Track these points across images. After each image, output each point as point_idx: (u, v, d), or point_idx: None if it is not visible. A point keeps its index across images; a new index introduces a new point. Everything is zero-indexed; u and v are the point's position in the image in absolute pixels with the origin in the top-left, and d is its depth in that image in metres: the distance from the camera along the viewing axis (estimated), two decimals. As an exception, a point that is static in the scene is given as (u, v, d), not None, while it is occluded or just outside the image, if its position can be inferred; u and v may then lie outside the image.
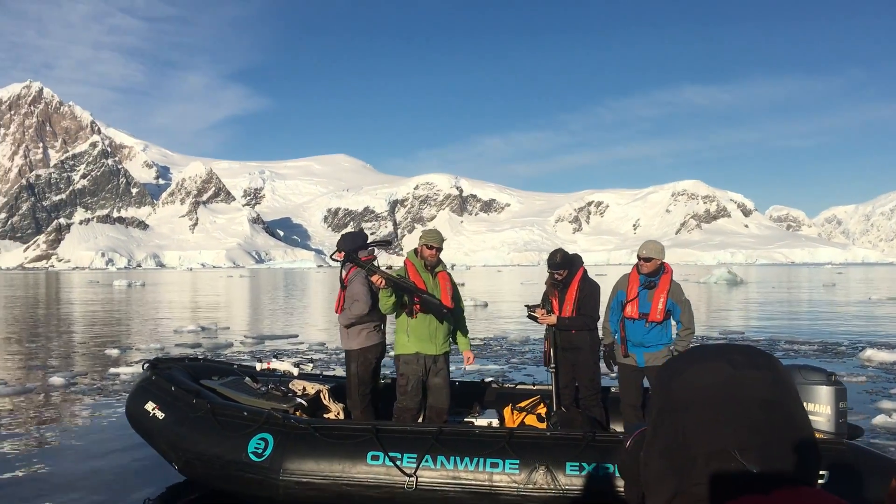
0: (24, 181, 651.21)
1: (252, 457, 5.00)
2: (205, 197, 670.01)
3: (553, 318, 6.20)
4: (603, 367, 6.34)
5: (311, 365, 7.41)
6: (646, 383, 6.07)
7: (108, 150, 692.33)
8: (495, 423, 6.03)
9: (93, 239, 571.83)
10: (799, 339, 15.99)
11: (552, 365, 6.18)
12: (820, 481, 3.16)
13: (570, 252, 6.46)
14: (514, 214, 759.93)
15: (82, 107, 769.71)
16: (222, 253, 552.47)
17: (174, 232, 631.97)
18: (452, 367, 6.13)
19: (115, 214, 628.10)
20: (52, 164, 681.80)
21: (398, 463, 4.80)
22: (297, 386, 6.28)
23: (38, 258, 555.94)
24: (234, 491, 5.19)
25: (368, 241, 6.15)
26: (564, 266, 6.23)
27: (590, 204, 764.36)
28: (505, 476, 4.67)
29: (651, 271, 5.92)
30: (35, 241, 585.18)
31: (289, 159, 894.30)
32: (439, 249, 5.76)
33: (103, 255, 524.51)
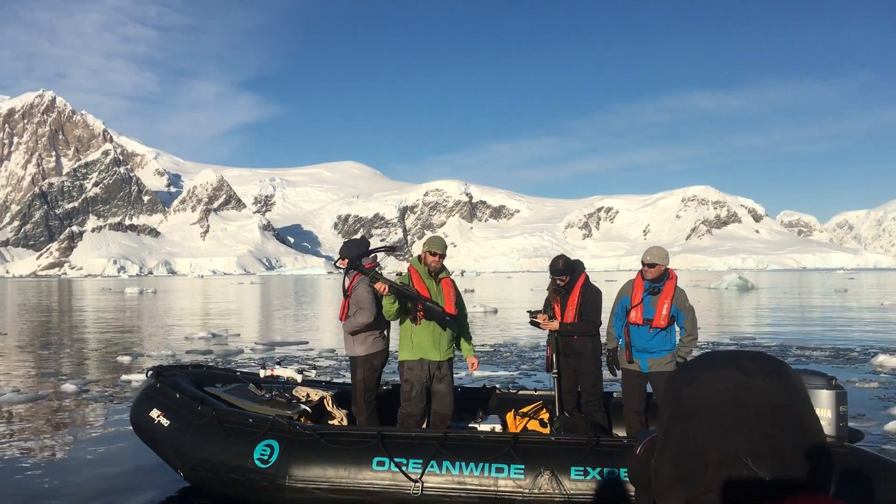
0: (36, 189, 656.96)
1: (258, 463, 5.03)
2: (216, 204, 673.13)
3: (556, 324, 6.23)
4: (606, 372, 6.35)
5: (314, 371, 7.45)
6: (649, 388, 6.08)
7: (121, 158, 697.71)
8: (498, 428, 6.04)
9: (105, 246, 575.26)
10: (810, 346, 15.87)
11: (554, 370, 6.20)
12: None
13: (578, 258, 6.55)
14: (524, 220, 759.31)
15: (95, 115, 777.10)
16: (233, 260, 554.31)
17: (185, 239, 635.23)
18: (457, 374, 6.15)
19: (127, 222, 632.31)
20: (64, 172, 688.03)
21: (404, 469, 4.82)
22: (300, 392, 6.30)
23: (51, 266, 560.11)
24: (239, 497, 5.22)
25: (372, 248, 6.19)
26: (566, 272, 6.28)
27: (599, 210, 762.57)
28: (510, 481, 4.68)
29: (655, 277, 5.94)
30: (48, 249, 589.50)
31: (299, 166, 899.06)
32: (443, 256, 5.80)
33: (115, 262, 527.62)
